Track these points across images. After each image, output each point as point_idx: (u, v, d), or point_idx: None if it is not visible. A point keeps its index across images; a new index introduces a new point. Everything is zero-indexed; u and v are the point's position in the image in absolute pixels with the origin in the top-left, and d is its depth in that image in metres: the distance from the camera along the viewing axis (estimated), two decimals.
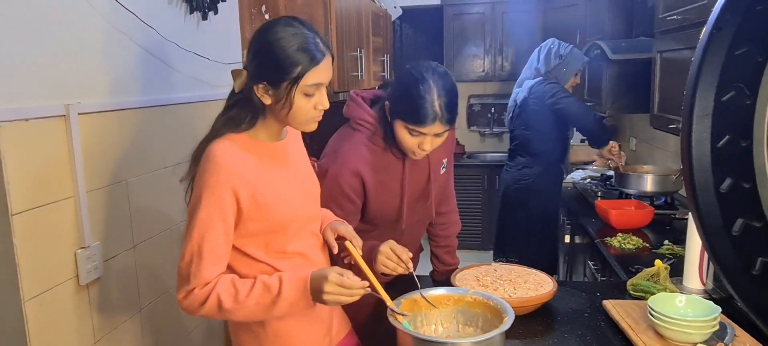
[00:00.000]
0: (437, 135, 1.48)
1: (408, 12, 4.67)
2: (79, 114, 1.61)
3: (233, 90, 1.23)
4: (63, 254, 1.59)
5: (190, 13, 2.21)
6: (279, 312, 1.19)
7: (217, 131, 1.22)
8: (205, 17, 2.30)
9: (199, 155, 1.21)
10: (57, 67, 1.57)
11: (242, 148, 1.21)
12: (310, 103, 1.20)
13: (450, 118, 1.46)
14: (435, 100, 1.43)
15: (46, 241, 1.53)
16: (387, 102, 1.54)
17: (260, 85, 1.18)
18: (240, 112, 1.21)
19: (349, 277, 1.18)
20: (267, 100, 1.19)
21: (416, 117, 1.43)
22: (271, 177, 1.23)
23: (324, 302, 1.19)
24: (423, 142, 1.48)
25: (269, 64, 1.16)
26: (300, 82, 1.16)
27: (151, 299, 2.01)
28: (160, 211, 2.06)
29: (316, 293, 1.18)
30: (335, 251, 1.38)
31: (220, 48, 2.47)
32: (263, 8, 2.64)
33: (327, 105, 1.23)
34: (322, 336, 1.37)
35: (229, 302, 1.16)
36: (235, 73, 1.22)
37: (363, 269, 1.31)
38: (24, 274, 1.44)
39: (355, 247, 1.35)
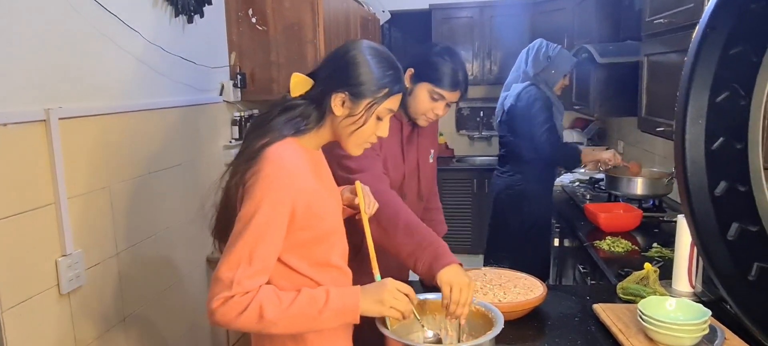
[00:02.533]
0: (448, 105, 1.67)
1: (396, 16, 4.66)
2: (59, 119, 1.58)
3: (288, 94, 1.19)
4: (43, 262, 1.55)
5: (175, 16, 2.19)
6: (324, 322, 1.13)
7: (279, 132, 1.15)
8: (190, 21, 2.28)
9: (255, 155, 1.12)
10: (37, 70, 1.53)
11: (299, 154, 1.16)
12: (375, 128, 1.20)
13: (464, 92, 1.68)
14: (459, 74, 1.65)
15: (26, 249, 1.49)
16: (411, 68, 1.68)
17: (339, 95, 1.15)
18: (306, 114, 1.17)
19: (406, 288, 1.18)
20: (339, 111, 1.16)
21: (445, 81, 1.62)
22: (319, 185, 1.19)
23: (377, 310, 1.15)
24: (437, 107, 1.65)
25: (357, 78, 1.15)
26: (382, 103, 1.17)
27: (136, 308, 1.97)
28: (144, 217, 2.02)
29: (373, 294, 1.15)
30: (357, 202, 1.33)
31: (207, 52, 2.44)
32: (250, 11, 2.61)
33: (386, 134, 1.23)
34: None
35: (273, 312, 1.08)
36: (296, 77, 1.18)
37: (363, 219, 1.29)
38: (2, 283, 1.41)
39: (367, 204, 1.31)
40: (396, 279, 1.32)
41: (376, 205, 1.36)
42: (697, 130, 1.00)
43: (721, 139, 1.01)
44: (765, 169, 1.02)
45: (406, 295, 1.17)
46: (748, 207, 1.02)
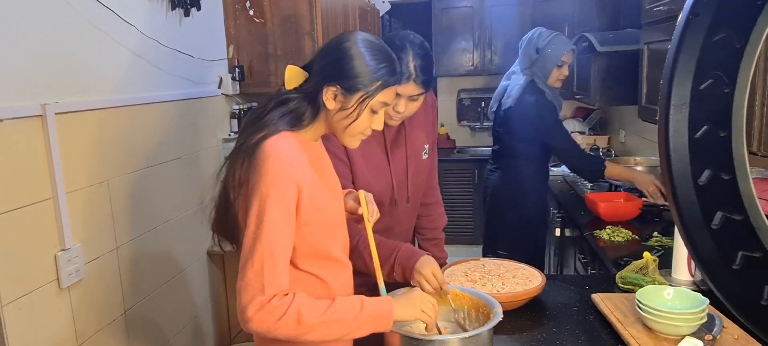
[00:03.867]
0: (412, 98, 1.50)
1: (396, 6, 4.64)
2: (56, 114, 1.57)
3: (283, 87, 1.18)
4: (42, 256, 1.56)
5: (172, 9, 2.18)
6: (359, 329, 1.14)
7: (274, 126, 1.13)
8: (187, 14, 2.27)
9: (252, 149, 1.10)
10: (33, 66, 1.53)
11: (296, 147, 1.15)
12: (370, 121, 1.19)
13: (425, 80, 1.49)
14: (411, 61, 1.46)
15: (25, 243, 1.49)
16: None
17: (330, 89, 1.13)
18: (300, 109, 1.15)
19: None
20: (331, 105, 1.15)
21: None
22: (319, 178, 1.18)
23: (412, 314, 1.20)
24: (398, 103, 1.49)
25: (350, 71, 1.13)
26: (375, 96, 1.15)
27: (136, 301, 1.98)
28: (143, 211, 2.03)
29: (406, 299, 1.20)
30: (361, 211, 1.31)
31: (204, 45, 2.43)
32: (247, 4, 2.60)
33: (381, 127, 1.22)
34: None
35: (311, 318, 1.08)
36: (290, 70, 1.17)
37: (366, 227, 1.29)
38: (2, 278, 1.41)
39: (370, 212, 1.30)
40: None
41: (378, 214, 1.34)
42: (681, 118, 0.99)
43: (704, 127, 1.01)
44: (752, 154, 1.02)
45: (433, 305, 1.23)
46: (732, 196, 1.02)
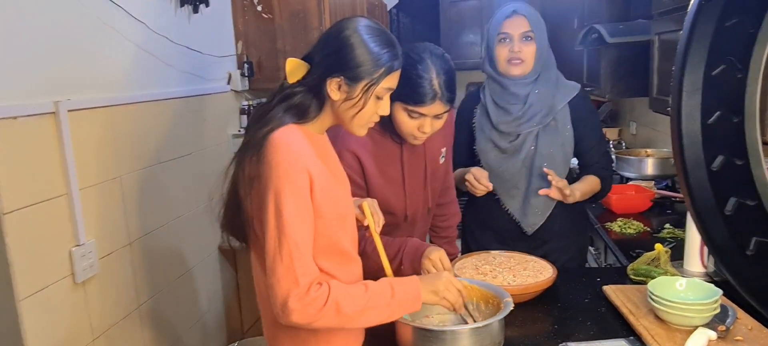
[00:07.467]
0: (437, 116, 1.45)
1: (404, 0, 4.62)
2: (69, 111, 1.59)
3: (285, 81, 1.17)
4: (57, 252, 1.58)
5: (181, 6, 2.19)
6: (392, 314, 1.16)
7: (280, 119, 1.12)
8: (196, 10, 2.28)
9: (260, 143, 1.10)
10: (45, 63, 1.55)
11: (303, 139, 1.14)
12: (376, 107, 1.18)
13: (450, 97, 1.44)
14: (434, 79, 1.40)
15: (40, 239, 1.51)
16: None
17: (334, 80, 1.13)
18: (305, 102, 1.14)
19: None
20: (336, 96, 1.14)
21: (416, 97, 1.41)
22: (327, 169, 1.18)
23: (432, 299, 1.21)
24: (423, 124, 1.45)
25: (352, 60, 1.12)
26: (380, 83, 1.15)
27: (149, 295, 2.00)
28: (156, 207, 2.05)
29: (429, 284, 1.21)
30: (366, 222, 1.33)
31: (213, 41, 2.44)
32: (255, 0, 2.61)
33: (387, 112, 1.21)
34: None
35: (350, 307, 1.09)
36: (291, 63, 1.16)
37: (374, 237, 1.30)
38: (18, 273, 1.43)
39: (374, 221, 1.31)
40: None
41: (383, 220, 1.35)
42: (693, 105, 0.98)
43: (717, 112, 1.00)
44: (766, 145, 1.01)
45: (459, 290, 1.22)
46: (745, 181, 1.01)
